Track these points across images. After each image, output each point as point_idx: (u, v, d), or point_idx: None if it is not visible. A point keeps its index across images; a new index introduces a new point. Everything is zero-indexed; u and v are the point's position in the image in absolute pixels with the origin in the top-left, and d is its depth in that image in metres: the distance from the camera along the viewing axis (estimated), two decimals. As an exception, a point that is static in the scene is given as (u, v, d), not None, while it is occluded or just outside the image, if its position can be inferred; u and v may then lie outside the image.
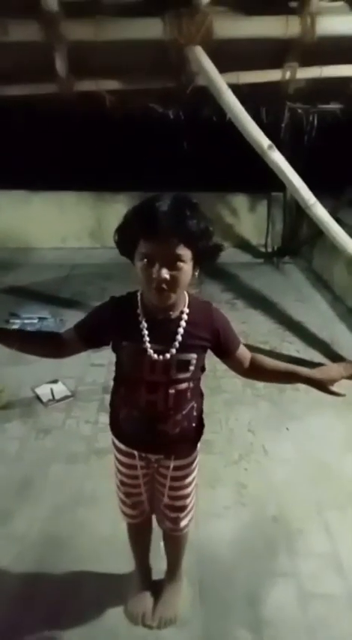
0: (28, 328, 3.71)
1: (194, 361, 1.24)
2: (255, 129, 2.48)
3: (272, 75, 2.77)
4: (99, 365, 3.13)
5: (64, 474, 2.27)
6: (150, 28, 2.20)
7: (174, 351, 1.20)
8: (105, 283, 4.57)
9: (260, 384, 3.05)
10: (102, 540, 1.87)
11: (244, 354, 1.35)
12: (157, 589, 1.69)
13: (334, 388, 1.39)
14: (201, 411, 1.41)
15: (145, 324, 1.21)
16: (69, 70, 2.65)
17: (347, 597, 1.72)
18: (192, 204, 1.12)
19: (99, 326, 1.27)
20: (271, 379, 1.49)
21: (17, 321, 3.81)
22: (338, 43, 2.52)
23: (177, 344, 1.21)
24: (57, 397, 2.81)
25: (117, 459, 1.45)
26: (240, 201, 5.67)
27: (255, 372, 1.36)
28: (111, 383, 1.40)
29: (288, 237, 5.61)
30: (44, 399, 2.79)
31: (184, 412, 1.32)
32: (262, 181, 4.87)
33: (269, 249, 5.66)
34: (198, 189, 5.15)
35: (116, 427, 1.41)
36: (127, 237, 1.15)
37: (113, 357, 1.33)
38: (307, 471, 2.32)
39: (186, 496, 1.47)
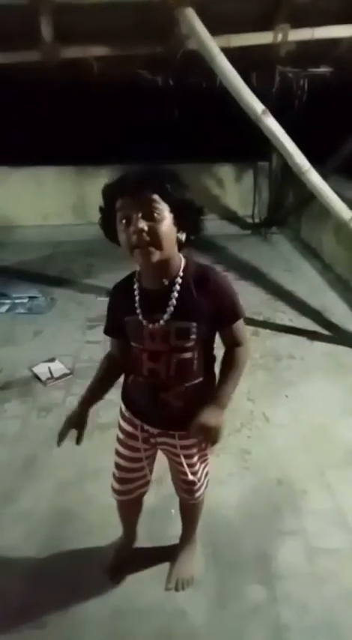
0: (19, 308, 3.67)
1: (194, 329, 1.22)
2: (249, 94, 2.42)
3: (264, 37, 2.70)
4: (94, 342, 3.12)
5: (67, 450, 2.24)
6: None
7: (166, 317, 1.21)
8: (90, 259, 4.52)
9: (256, 354, 3.09)
10: (110, 511, 1.87)
11: (239, 333, 1.29)
12: (172, 553, 1.74)
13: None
14: (210, 393, 1.32)
15: (138, 296, 1.25)
16: (54, 35, 2.53)
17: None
18: (164, 167, 1.18)
19: (115, 316, 1.34)
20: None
21: (7, 301, 3.75)
22: (329, 2, 2.46)
23: (170, 310, 1.21)
24: (56, 375, 2.79)
25: (120, 428, 1.47)
26: (226, 171, 5.61)
27: (224, 356, 1.33)
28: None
29: (275, 207, 5.59)
30: (43, 378, 2.78)
31: (188, 384, 1.30)
32: (247, 151, 4.84)
33: (257, 220, 5.65)
34: (183, 159, 5.10)
35: (124, 393, 1.44)
36: (106, 212, 1.17)
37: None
38: (307, 434, 2.38)
39: (195, 472, 1.47)
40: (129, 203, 1.11)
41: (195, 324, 1.21)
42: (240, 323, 1.29)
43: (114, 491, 1.56)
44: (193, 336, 1.22)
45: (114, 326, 1.36)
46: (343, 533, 1.86)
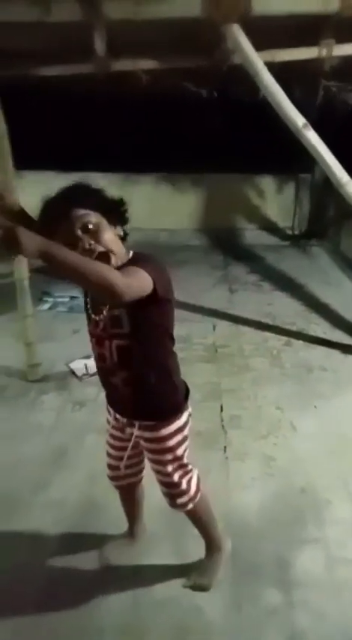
0: (60, 307, 3.83)
1: (125, 316, 1.27)
2: (290, 107, 2.47)
3: (308, 52, 2.75)
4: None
5: (98, 443, 2.35)
6: (188, 6, 2.20)
7: (106, 308, 1.30)
8: None
9: (287, 364, 3.10)
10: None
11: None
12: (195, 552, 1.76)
13: None
14: (164, 388, 1.42)
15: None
16: (107, 49, 2.67)
17: (374, 564, 1.78)
18: (76, 184, 1.27)
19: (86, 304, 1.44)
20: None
21: (50, 299, 3.93)
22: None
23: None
24: (91, 372, 2.90)
25: (108, 420, 1.59)
26: (268, 183, 5.64)
27: None
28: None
29: (315, 219, 5.57)
30: (79, 374, 2.90)
31: (134, 372, 1.36)
32: (290, 162, 4.85)
33: (296, 232, 5.64)
34: (225, 170, 5.18)
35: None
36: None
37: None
38: (333, 445, 2.37)
39: (167, 474, 1.50)
40: (66, 229, 1.19)
41: (124, 311, 1.27)
42: (134, 269, 1.19)
43: (107, 475, 1.69)
44: (125, 323, 1.28)
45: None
46: (365, 546, 1.85)
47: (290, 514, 1.99)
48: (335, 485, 2.12)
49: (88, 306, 1.38)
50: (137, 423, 1.45)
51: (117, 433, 1.55)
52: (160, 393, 1.42)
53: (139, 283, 1.17)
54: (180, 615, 1.61)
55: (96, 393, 2.75)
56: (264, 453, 2.32)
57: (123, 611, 1.61)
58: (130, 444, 1.52)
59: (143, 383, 1.38)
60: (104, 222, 1.24)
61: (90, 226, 1.21)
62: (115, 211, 1.29)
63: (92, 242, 1.20)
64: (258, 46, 2.37)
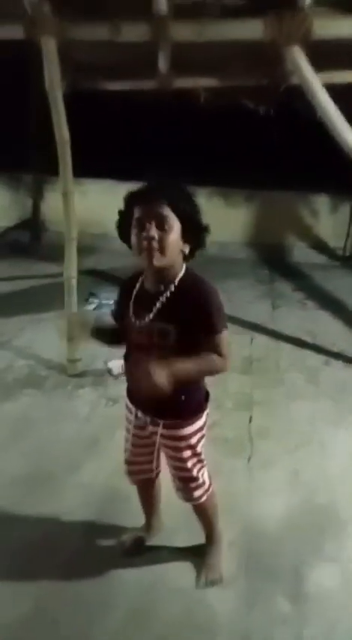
0: (104, 308, 3.99)
1: (173, 332, 1.34)
2: (346, 128, 2.50)
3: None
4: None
5: (128, 438, 2.47)
6: (251, 29, 2.29)
7: (151, 317, 1.36)
8: None
9: (324, 382, 3.08)
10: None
11: (214, 346, 1.34)
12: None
13: None
14: (193, 390, 1.50)
15: (135, 295, 1.42)
16: (170, 67, 2.82)
17: None
18: (177, 182, 1.33)
19: (118, 305, 1.53)
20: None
21: (95, 300, 4.11)
22: None
23: (154, 311, 1.36)
24: (127, 370, 3.02)
25: (126, 417, 1.63)
26: (322, 202, 5.61)
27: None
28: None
29: (368, 242, 5.47)
30: (115, 372, 3.02)
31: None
32: (346, 183, 4.81)
33: (348, 253, 5.56)
34: (281, 187, 5.21)
35: (127, 385, 1.60)
36: (124, 216, 1.34)
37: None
38: (362, 467, 2.34)
39: (187, 469, 1.57)
40: (145, 212, 1.27)
41: (173, 326, 1.34)
42: (219, 337, 1.35)
43: (126, 472, 1.73)
44: (173, 337, 1.35)
45: (117, 313, 1.53)
46: (383, 570, 1.82)
47: (310, 528, 1.99)
48: (359, 508, 2.10)
49: (131, 312, 1.41)
50: (161, 422, 1.51)
51: (138, 431, 1.60)
52: (187, 395, 1.47)
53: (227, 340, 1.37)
54: (190, 607, 1.66)
55: (131, 391, 2.86)
56: (290, 466, 2.32)
57: (137, 593, 1.69)
58: (156, 444, 1.58)
59: (177, 392, 1.37)
60: (178, 231, 1.30)
61: (164, 226, 1.27)
62: (194, 231, 1.34)
63: (154, 237, 1.26)
64: (318, 68, 2.42)
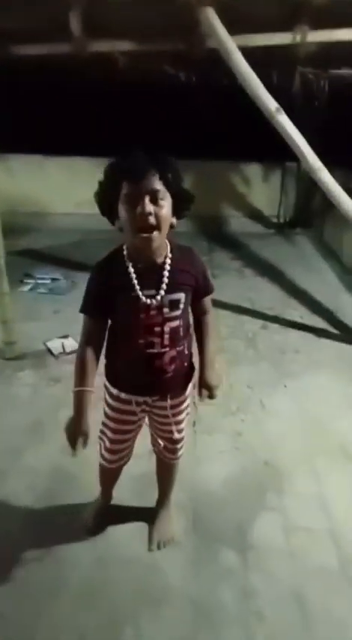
0: (41, 288, 3.88)
1: (183, 299, 1.38)
2: (263, 92, 2.51)
3: (283, 38, 2.78)
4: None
5: (72, 418, 2.44)
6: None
7: (163, 292, 1.33)
8: None
9: (261, 346, 3.18)
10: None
11: (207, 304, 1.52)
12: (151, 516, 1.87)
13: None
14: (191, 353, 1.54)
15: (133, 274, 1.31)
16: (83, 30, 2.70)
17: (328, 531, 1.87)
18: (163, 153, 1.26)
19: (100, 295, 1.35)
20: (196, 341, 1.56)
21: (31, 281, 3.97)
22: (349, 5, 2.51)
23: (164, 286, 1.33)
24: (67, 350, 2.97)
25: (112, 408, 1.54)
26: (254, 170, 5.67)
27: (195, 325, 1.54)
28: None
29: (301, 208, 5.62)
30: (55, 352, 2.96)
31: (178, 349, 1.43)
32: (276, 150, 4.89)
33: (281, 220, 5.69)
34: (210, 157, 5.21)
35: (114, 379, 1.51)
36: (109, 188, 1.26)
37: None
38: (301, 424, 2.46)
39: (182, 430, 1.64)
40: (138, 187, 1.21)
41: (183, 294, 1.37)
42: (209, 297, 1.51)
43: (106, 460, 1.69)
44: (182, 306, 1.38)
45: (95, 305, 1.37)
46: (321, 516, 1.94)
47: (253, 485, 2.08)
48: (298, 461, 2.21)
49: (138, 292, 1.31)
50: (169, 395, 1.51)
51: (131, 417, 1.54)
52: (189, 362, 1.53)
53: None
54: (142, 574, 1.69)
55: (71, 371, 2.78)
56: (232, 429, 2.40)
57: (89, 566, 1.70)
58: (139, 425, 1.60)
59: (183, 356, 1.47)
60: (169, 205, 1.26)
61: (159, 201, 1.23)
62: (183, 203, 1.31)
63: (151, 213, 1.21)
64: (234, 31, 2.40)
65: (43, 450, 2.22)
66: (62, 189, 5.64)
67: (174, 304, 1.36)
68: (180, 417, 1.60)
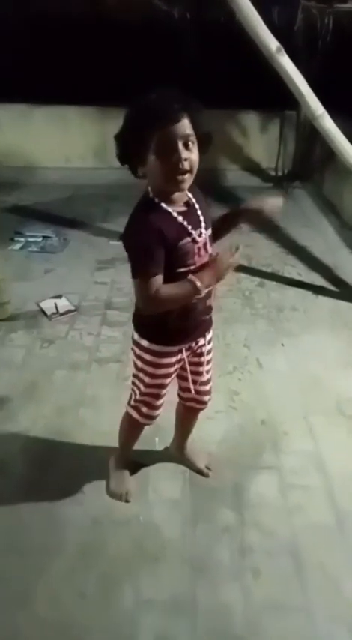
0: (32, 247, 3.76)
1: (210, 232, 1.39)
2: (264, 30, 2.31)
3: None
4: (101, 283, 3.19)
5: (66, 379, 2.41)
6: None
7: (204, 228, 1.35)
8: (109, 204, 4.52)
9: (259, 304, 3.12)
10: (101, 435, 2.02)
11: None
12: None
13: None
14: None
15: (182, 219, 1.30)
16: None
17: (324, 489, 1.88)
18: (190, 97, 1.22)
19: (159, 248, 1.27)
20: (219, 237, 1.47)
21: (21, 239, 3.84)
22: None
23: (204, 224, 1.35)
24: (61, 311, 2.90)
25: (158, 365, 1.51)
26: (251, 120, 5.39)
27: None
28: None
29: (300, 160, 5.40)
30: (48, 312, 2.89)
31: None
32: (275, 98, 4.63)
33: (280, 173, 5.48)
34: (205, 104, 4.93)
35: (165, 337, 1.47)
36: (138, 136, 1.20)
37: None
38: (298, 382, 2.44)
39: (209, 371, 1.69)
40: (172, 134, 1.18)
41: (211, 229, 1.39)
42: None
43: (148, 417, 1.67)
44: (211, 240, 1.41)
45: (158, 262, 1.28)
46: (317, 473, 1.94)
47: (250, 444, 2.07)
48: (295, 419, 2.20)
49: (194, 234, 1.31)
50: (207, 334, 1.58)
51: (170, 370, 1.55)
52: None
53: None
54: (138, 533, 1.71)
55: (65, 332, 2.76)
56: (229, 388, 2.38)
57: (84, 528, 1.71)
58: (208, 358, 1.64)
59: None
60: (196, 147, 1.24)
61: (191, 145, 1.21)
62: (206, 142, 1.28)
63: (188, 159, 1.20)
64: None
65: (38, 412, 2.20)
66: (51, 141, 5.37)
67: (210, 239, 1.39)
68: (210, 356, 1.65)
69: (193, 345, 1.55)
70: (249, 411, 2.25)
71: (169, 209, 1.29)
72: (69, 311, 2.92)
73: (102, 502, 1.80)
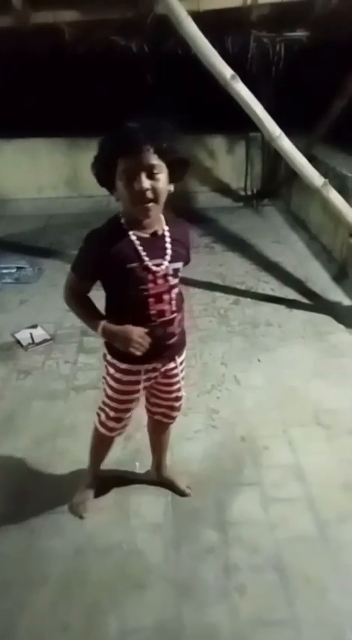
0: (6, 278, 3.76)
1: (181, 268, 1.44)
2: (217, 59, 2.42)
3: (234, 0, 2.66)
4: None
5: (44, 409, 2.39)
6: None
7: (168, 260, 1.38)
8: (82, 232, 4.35)
9: (234, 322, 3.16)
10: (80, 463, 1.99)
11: None
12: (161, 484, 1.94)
13: None
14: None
15: (139, 244, 1.34)
16: (24, 1, 2.52)
17: (306, 500, 1.89)
18: (160, 121, 1.27)
19: (97, 261, 1.36)
20: None
21: (-5, 271, 3.84)
22: None
23: (169, 254, 1.38)
24: (36, 340, 2.89)
25: (119, 381, 1.55)
26: (218, 143, 5.56)
27: None
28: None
29: (267, 179, 5.56)
30: (24, 343, 2.88)
31: (181, 312, 1.51)
32: (239, 121, 4.78)
33: (249, 192, 5.63)
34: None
35: (124, 353, 1.44)
36: (106, 163, 1.27)
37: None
38: (275, 396, 2.46)
39: (179, 390, 1.69)
40: (134, 163, 1.22)
41: (181, 263, 1.44)
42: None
43: (108, 429, 1.70)
44: (180, 274, 1.45)
45: (87, 271, 1.40)
46: (298, 485, 1.95)
47: (230, 461, 2.08)
48: (275, 434, 2.22)
49: (147, 262, 1.34)
50: (177, 357, 1.59)
51: (136, 387, 1.57)
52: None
53: None
54: (122, 559, 1.68)
55: (41, 362, 2.75)
56: (208, 407, 2.39)
57: (67, 558, 1.68)
58: (145, 386, 1.60)
59: (183, 321, 1.55)
60: (165, 175, 1.27)
61: (156, 175, 1.24)
62: (180, 170, 1.31)
63: (149, 189, 1.23)
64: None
65: (14, 444, 2.17)
66: (22, 173, 5.45)
67: (176, 272, 1.41)
68: (181, 376, 1.65)
69: (159, 367, 1.56)
70: (229, 428, 2.26)
71: (130, 232, 1.34)
72: (45, 340, 2.91)
73: (84, 531, 1.78)
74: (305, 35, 3.23)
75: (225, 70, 2.46)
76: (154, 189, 1.25)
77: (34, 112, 4.48)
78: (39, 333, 2.95)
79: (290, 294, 3.53)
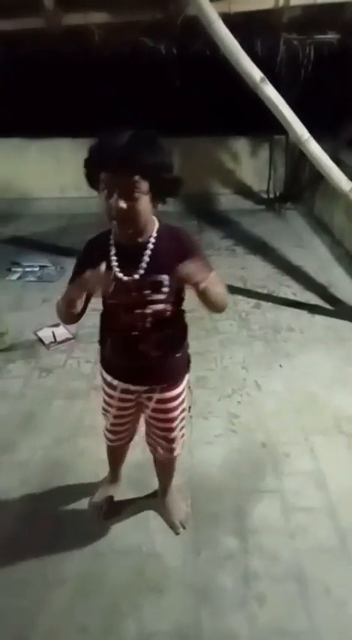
0: (29, 276, 3.80)
1: (166, 282, 1.29)
2: (247, 61, 2.40)
3: (265, 2, 2.65)
4: (99, 310, 3.19)
5: (64, 408, 2.41)
6: None
7: (142, 271, 1.28)
8: None
9: (256, 326, 3.14)
10: (100, 464, 2.00)
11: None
12: (151, 503, 1.88)
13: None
14: (184, 345, 1.49)
15: (114, 252, 1.30)
16: (55, 3, 2.55)
17: (327, 509, 1.86)
18: (149, 138, 1.17)
19: (81, 269, 1.29)
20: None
21: (19, 269, 3.89)
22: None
23: (144, 265, 1.28)
24: (59, 339, 2.91)
25: (108, 394, 1.57)
26: (241, 145, 5.52)
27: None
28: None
29: (291, 182, 5.50)
30: (46, 342, 2.90)
31: (165, 335, 1.38)
32: (264, 123, 4.75)
33: (271, 196, 5.58)
34: (195, 133, 5.06)
35: (103, 359, 1.52)
36: (90, 169, 1.21)
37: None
38: (296, 402, 2.43)
39: (173, 429, 1.59)
40: (111, 180, 1.14)
41: (166, 276, 1.28)
42: (213, 276, 1.24)
43: (108, 439, 1.74)
44: (165, 289, 1.30)
45: (77, 272, 1.33)
46: (319, 494, 1.93)
47: (250, 467, 2.06)
48: (295, 440, 2.19)
49: (115, 272, 1.27)
50: (159, 387, 1.48)
51: (126, 404, 1.56)
52: (182, 352, 1.47)
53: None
54: (140, 562, 1.68)
55: (63, 360, 2.77)
56: (228, 411, 2.37)
57: (85, 560, 1.68)
58: (136, 410, 1.58)
59: (172, 344, 1.43)
60: (147, 196, 1.18)
61: (134, 194, 1.15)
62: (166, 189, 1.23)
63: (123, 208, 1.15)
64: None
65: (36, 443, 2.19)
66: (46, 173, 5.49)
67: (156, 286, 1.29)
68: (172, 415, 1.55)
69: (141, 390, 1.49)
70: (249, 433, 2.24)
71: (112, 242, 1.31)
72: (67, 339, 2.93)
73: (104, 532, 1.78)
74: (336, 38, 3.19)
75: (255, 73, 2.44)
76: (131, 210, 1.16)
77: (59, 111, 4.51)
78: (61, 332, 2.97)
79: (312, 299, 3.49)
